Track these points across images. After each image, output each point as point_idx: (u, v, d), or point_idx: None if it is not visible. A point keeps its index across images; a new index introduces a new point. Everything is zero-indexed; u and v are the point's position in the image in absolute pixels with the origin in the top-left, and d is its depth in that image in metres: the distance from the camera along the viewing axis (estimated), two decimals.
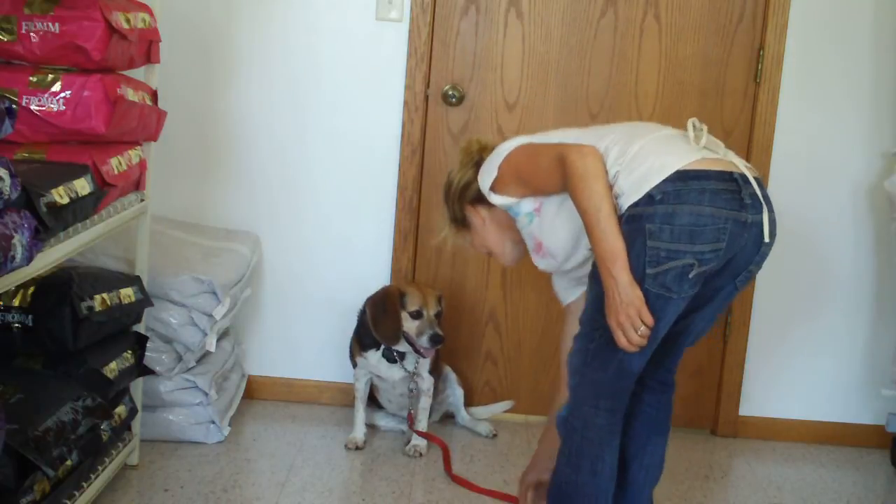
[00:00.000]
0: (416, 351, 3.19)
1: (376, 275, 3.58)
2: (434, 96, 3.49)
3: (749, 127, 3.50)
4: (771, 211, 2.25)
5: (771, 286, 3.57)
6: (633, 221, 2.19)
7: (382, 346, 3.22)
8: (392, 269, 3.57)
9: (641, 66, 3.47)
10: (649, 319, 2.19)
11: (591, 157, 2.24)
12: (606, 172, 2.24)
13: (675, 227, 2.15)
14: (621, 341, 2.21)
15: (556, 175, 2.30)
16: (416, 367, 3.25)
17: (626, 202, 2.20)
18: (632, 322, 2.18)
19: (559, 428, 2.44)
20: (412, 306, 3.16)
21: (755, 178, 2.26)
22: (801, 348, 3.63)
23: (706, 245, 2.16)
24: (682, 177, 2.17)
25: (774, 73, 3.44)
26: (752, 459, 3.49)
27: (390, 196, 3.54)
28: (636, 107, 3.48)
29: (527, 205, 2.46)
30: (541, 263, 2.57)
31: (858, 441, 3.65)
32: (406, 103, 3.47)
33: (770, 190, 3.41)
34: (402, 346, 3.21)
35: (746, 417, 3.66)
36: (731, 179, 2.20)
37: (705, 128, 2.32)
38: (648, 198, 2.17)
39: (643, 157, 2.23)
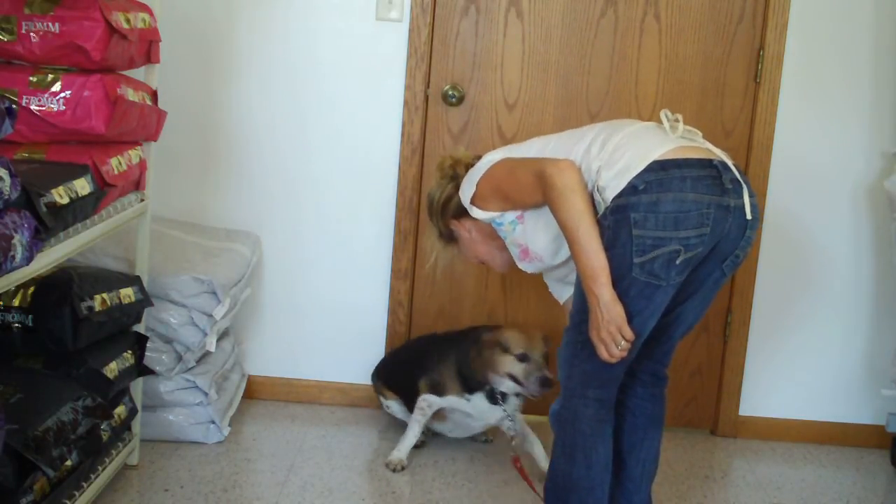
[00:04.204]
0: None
1: (376, 275, 3.58)
2: (434, 96, 3.49)
3: (749, 127, 3.50)
4: (752, 195, 2.29)
5: (771, 286, 3.57)
6: (619, 212, 2.22)
7: (487, 387, 3.13)
8: (392, 269, 3.57)
9: (641, 66, 3.47)
10: (630, 335, 2.24)
11: (569, 171, 2.28)
12: (585, 185, 2.28)
13: (660, 214, 2.19)
14: (603, 355, 2.27)
15: (535, 190, 2.34)
16: (516, 409, 3.18)
17: (610, 194, 2.24)
18: (613, 338, 2.24)
19: (551, 422, 2.46)
20: (517, 349, 3.05)
21: (734, 165, 2.30)
22: (801, 348, 3.62)
23: (691, 231, 2.20)
24: (663, 166, 2.21)
25: (774, 73, 3.44)
26: (752, 459, 3.49)
27: (390, 196, 3.54)
28: (636, 107, 3.48)
29: (509, 215, 2.50)
30: (528, 268, 2.61)
31: (858, 441, 3.64)
32: (406, 103, 3.47)
33: (770, 190, 3.49)
34: (505, 387, 3.11)
35: (746, 417, 3.66)
36: (712, 166, 2.24)
37: (680, 117, 2.37)
38: (632, 188, 2.21)
39: (623, 149, 2.28)
